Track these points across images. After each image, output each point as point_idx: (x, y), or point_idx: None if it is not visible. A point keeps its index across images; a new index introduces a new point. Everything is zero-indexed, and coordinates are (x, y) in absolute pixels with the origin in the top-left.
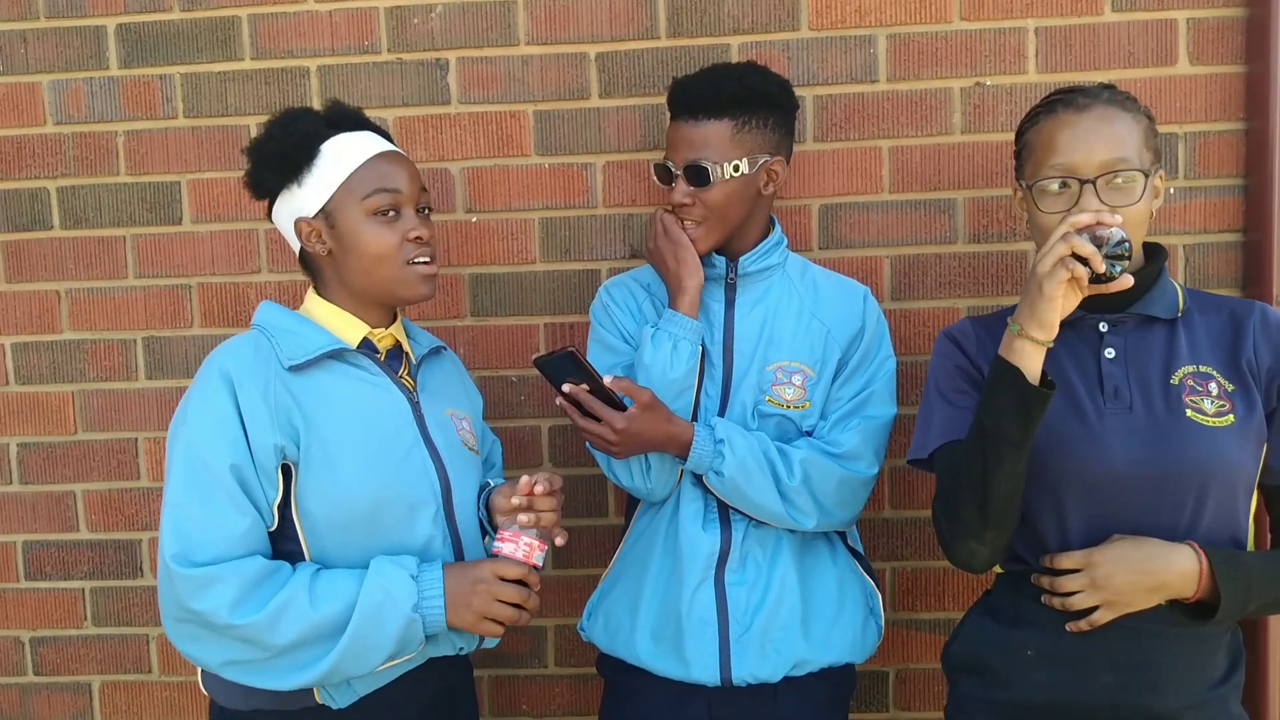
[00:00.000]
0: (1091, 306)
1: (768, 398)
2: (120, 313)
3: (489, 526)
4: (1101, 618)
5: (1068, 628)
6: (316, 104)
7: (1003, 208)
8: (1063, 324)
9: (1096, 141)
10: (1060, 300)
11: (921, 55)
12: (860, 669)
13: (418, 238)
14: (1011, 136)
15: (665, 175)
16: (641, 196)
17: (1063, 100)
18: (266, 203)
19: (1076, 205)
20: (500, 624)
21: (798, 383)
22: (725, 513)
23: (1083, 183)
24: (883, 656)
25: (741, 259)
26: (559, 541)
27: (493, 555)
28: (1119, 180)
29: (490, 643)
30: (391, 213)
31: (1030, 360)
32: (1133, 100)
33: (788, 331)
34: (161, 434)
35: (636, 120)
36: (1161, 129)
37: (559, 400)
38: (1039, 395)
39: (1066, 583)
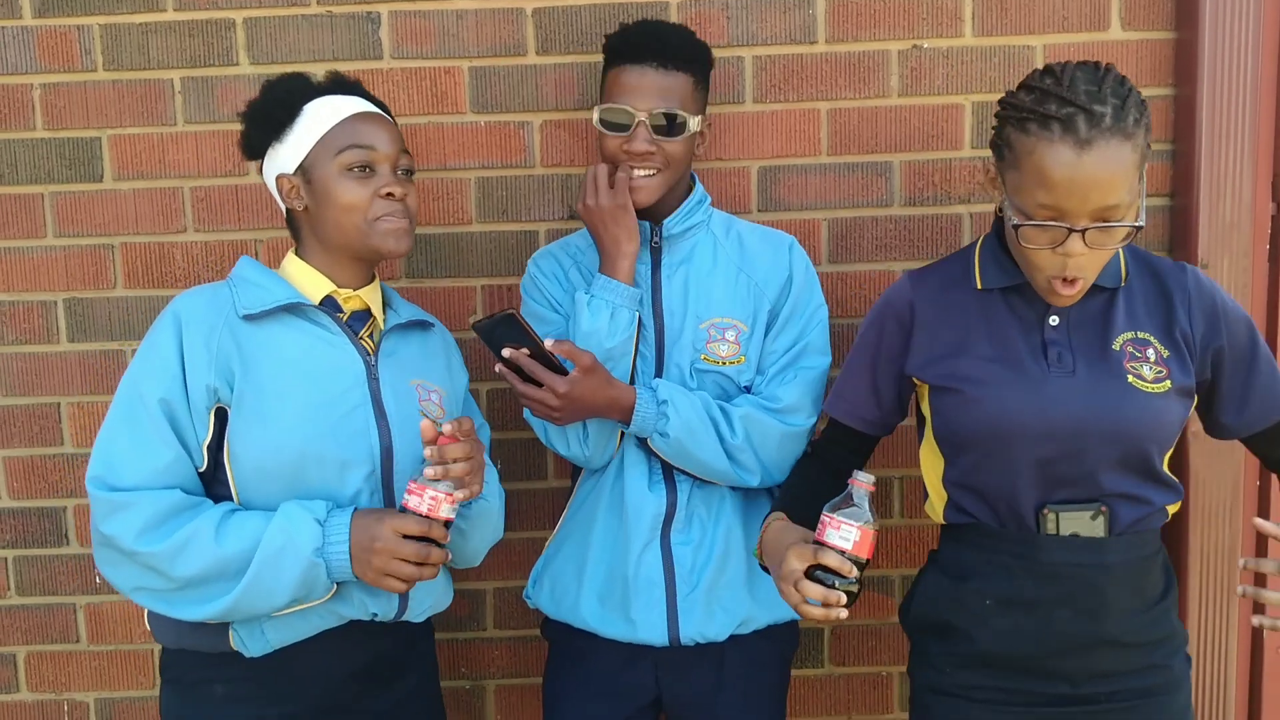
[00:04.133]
0: None
1: (703, 355)
2: (39, 273)
3: None
4: None
5: (1261, 624)
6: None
7: (938, 171)
8: (1010, 289)
9: (1092, 191)
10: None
11: (860, 17)
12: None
13: (389, 194)
14: (947, 100)
15: (621, 121)
16: (580, 156)
17: (1063, 122)
18: (257, 165)
19: (1062, 247)
20: (402, 581)
21: (731, 338)
22: (670, 473)
23: (1070, 231)
24: None
25: (666, 222)
26: (462, 496)
27: (400, 509)
28: (1110, 228)
29: (417, 615)
30: (364, 169)
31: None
32: (1136, 117)
33: (717, 289)
34: (86, 398)
35: (574, 78)
36: None
37: (498, 366)
38: None
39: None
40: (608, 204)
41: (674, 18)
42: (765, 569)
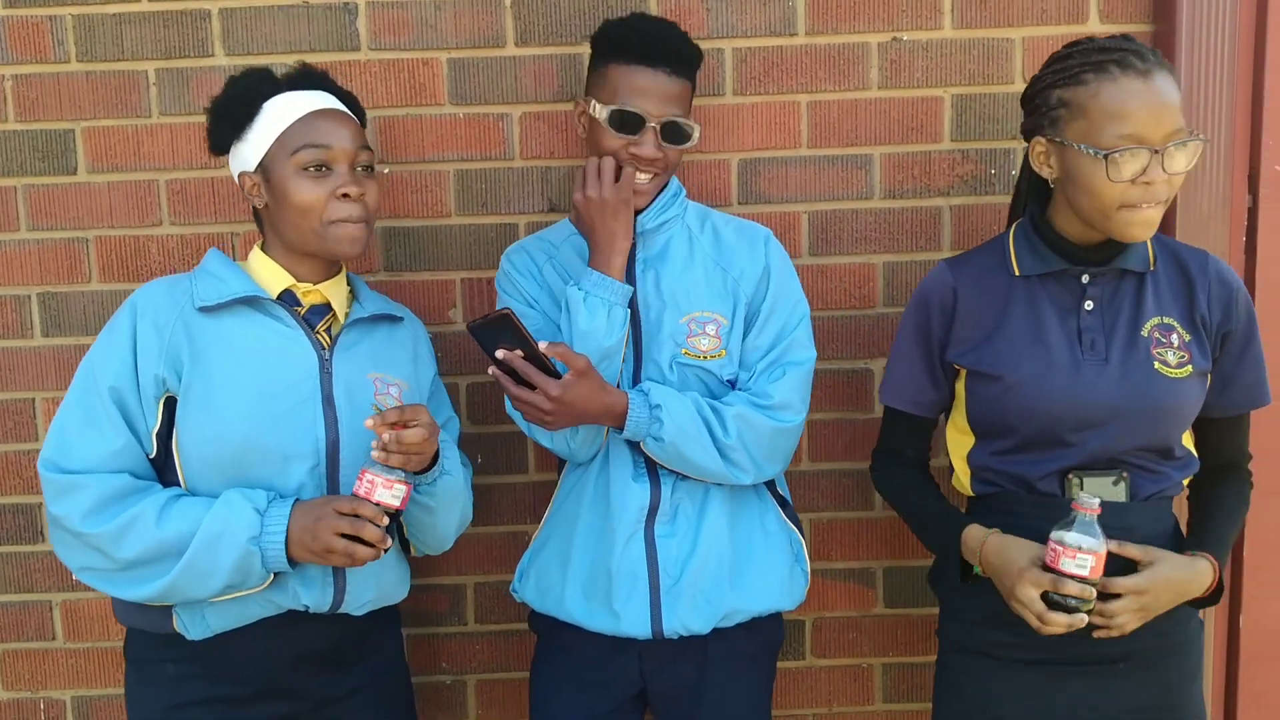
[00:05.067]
0: (1075, 260)
1: (684, 350)
2: (12, 267)
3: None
4: (1130, 628)
5: (1097, 635)
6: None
7: (918, 164)
8: (1047, 275)
9: (1164, 112)
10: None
11: (839, 9)
12: None
13: (344, 194)
14: (927, 92)
15: (632, 124)
16: (560, 148)
17: (1118, 62)
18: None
19: (1145, 175)
20: (349, 557)
21: (711, 332)
22: (654, 467)
23: (1153, 152)
24: (800, 606)
25: (641, 216)
26: (397, 462)
27: (352, 495)
28: (1183, 146)
29: (356, 609)
30: (321, 168)
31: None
32: (1165, 60)
33: (694, 282)
34: (60, 393)
35: (554, 70)
36: None
37: (491, 369)
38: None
39: (1120, 616)
40: (611, 197)
41: (654, 10)
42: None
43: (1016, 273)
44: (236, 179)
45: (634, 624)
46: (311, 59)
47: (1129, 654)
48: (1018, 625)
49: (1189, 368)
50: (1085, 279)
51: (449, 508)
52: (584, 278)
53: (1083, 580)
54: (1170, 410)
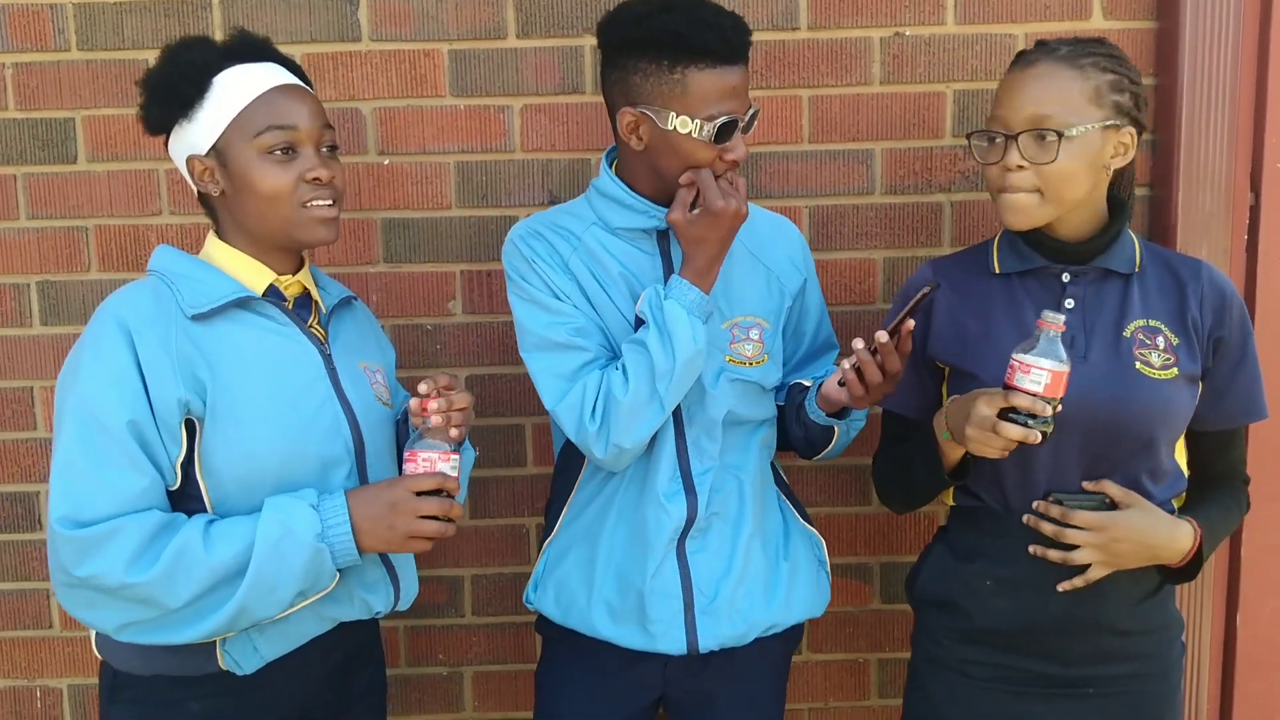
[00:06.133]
0: (1055, 257)
1: (728, 358)
2: (12, 256)
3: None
4: (1095, 575)
5: (1060, 587)
6: (220, 38)
7: (919, 159)
8: (1027, 272)
9: (1025, 100)
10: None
11: (842, 4)
12: None
13: (315, 179)
14: (929, 88)
15: (729, 130)
16: (561, 141)
17: (1021, 56)
18: (164, 139)
19: (1001, 160)
20: (429, 539)
21: (755, 337)
22: (690, 481)
23: (1007, 138)
24: None
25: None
26: (456, 436)
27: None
28: (1041, 137)
29: (404, 605)
30: (287, 151)
31: (952, 454)
32: (1095, 61)
33: (735, 279)
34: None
35: (555, 62)
36: None
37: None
38: (950, 479)
39: (1077, 540)
40: (742, 209)
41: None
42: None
43: (997, 270)
44: (183, 164)
45: (669, 642)
46: (313, 49)
47: (1105, 678)
48: (988, 644)
49: (1174, 370)
50: (1066, 278)
51: (465, 478)
52: (687, 294)
53: (1035, 395)
54: (1152, 411)
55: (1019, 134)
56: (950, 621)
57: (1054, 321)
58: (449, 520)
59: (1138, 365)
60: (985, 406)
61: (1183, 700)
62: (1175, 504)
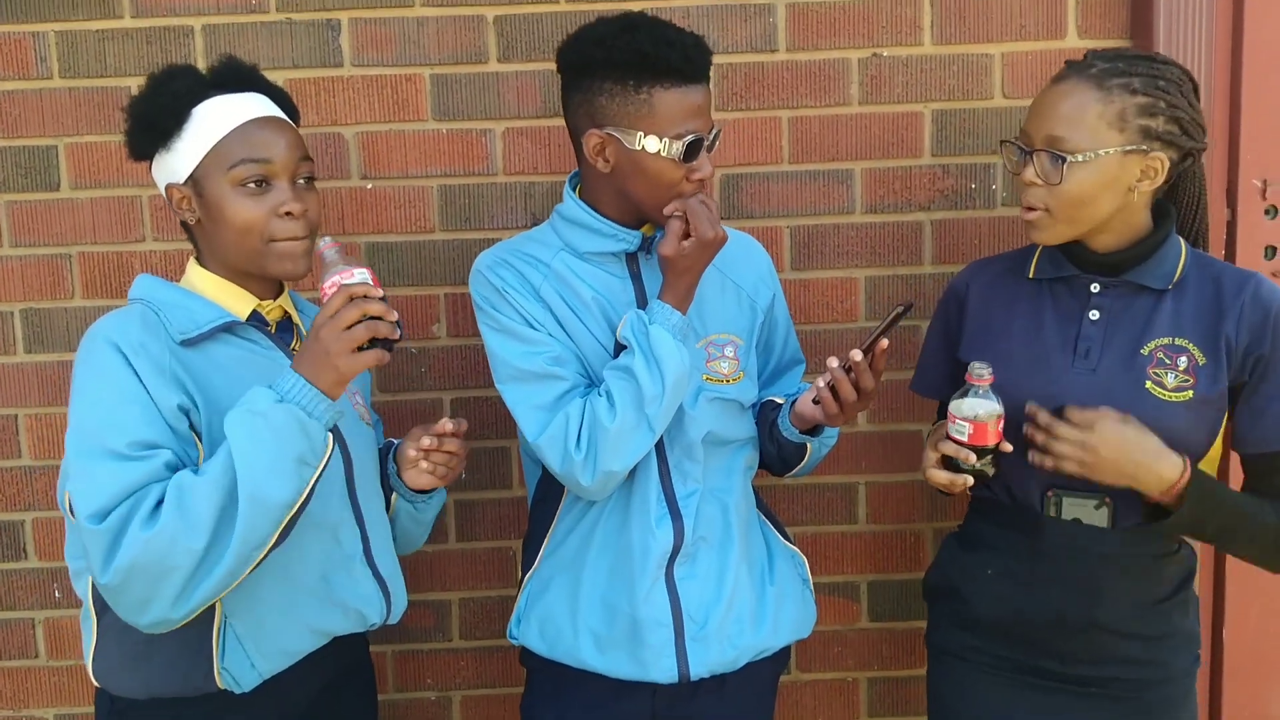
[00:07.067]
0: (1085, 267)
1: (705, 376)
2: None
3: (399, 482)
4: (1067, 469)
5: (1031, 458)
6: (202, 65)
7: (899, 178)
8: (1056, 279)
9: (1045, 117)
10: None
11: (820, 25)
12: None
13: (287, 212)
14: (907, 107)
15: (695, 148)
16: (543, 164)
17: (1065, 66)
18: (148, 164)
19: (1020, 174)
20: (374, 350)
21: (730, 354)
22: (676, 505)
23: (1026, 152)
24: None
25: (660, 231)
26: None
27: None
28: (1053, 158)
29: (395, 618)
30: (260, 183)
31: None
32: (1130, 75)
33: (708, 298)
34: (44, 410)
35: (537, 85)
36: None
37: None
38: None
39: (1062, 435)
40: (725, 236)
41: None
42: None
43: (1031, 275)
44: (162, 191)
45: (660, 671)
46: (295, 75)
47: (1105, 680)
48: (987, 632)
49: (1189, 393)
50: (1095, 288)
51: (436, 504)
52: (670, 318)
53: (959, 444)
54: (1153, 431)
55: (1034, 151)
56: (952, 608)
57: (978, 375)
58: (377, 319)
59: (1148, 384)
60: (929, 449)
61: (1196, 713)
62: None
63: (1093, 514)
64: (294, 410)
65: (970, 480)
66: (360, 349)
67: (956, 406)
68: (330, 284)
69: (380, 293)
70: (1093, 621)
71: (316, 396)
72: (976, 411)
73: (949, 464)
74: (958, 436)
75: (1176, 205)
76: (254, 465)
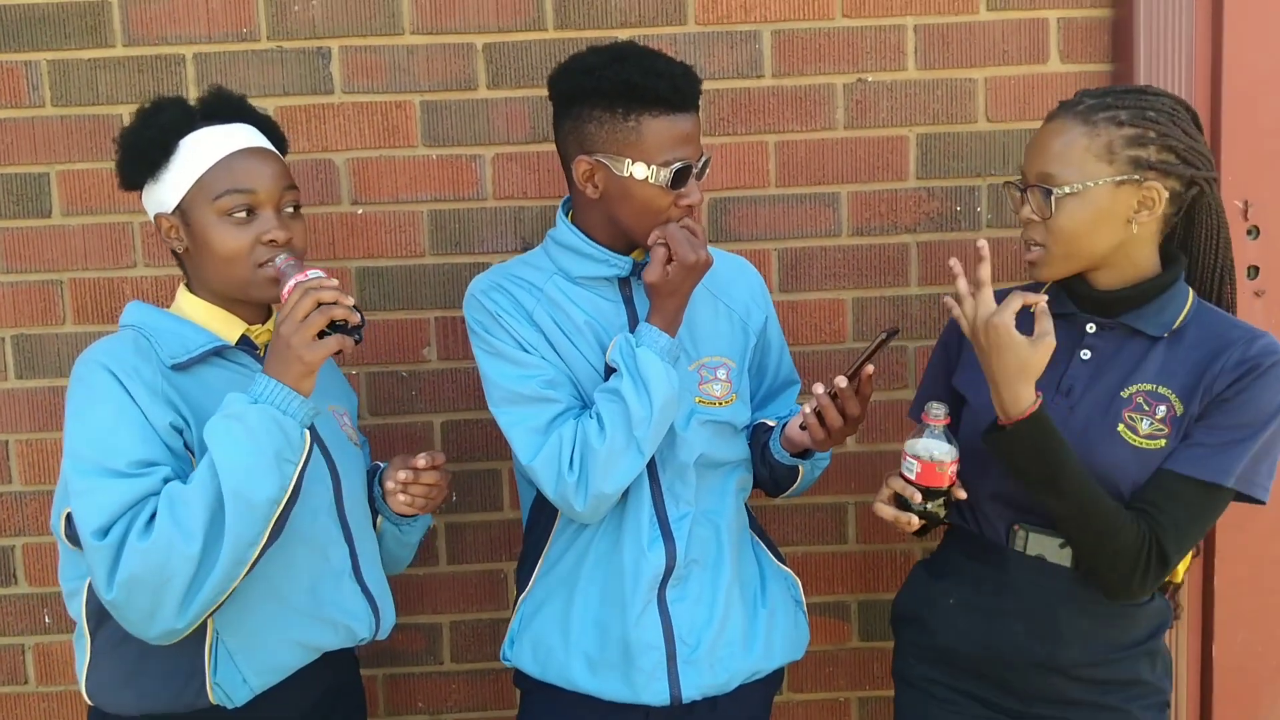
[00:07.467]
0: (1082, 305)
1: (698, 399)
2: None
3: (384, 505)
4: (958, 320)
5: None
6: (193, 93)
7: (884, 201)
8: (1056, 315)
9: (1036, 154)
10: None
11: (805, 51)
12: None
13: (272, 240)
14: (892, 131)
15: (684, 176)
16: (532, 189)
17: (1053, 109)
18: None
19: (1020, 213)
20: (335, 336)
21: (722, 376)
22: (668, 527)
23: (1022, 190)
24: None
25: (642, 264)
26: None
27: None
28: (1043, 193)
29: (384, 633)
30: (246, 213)
31: None
32: (1117, 108)
33: (700, 321)
34: (35, 435)
35: (526, 111)
36: (1034, 124)
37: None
38: None
39: (981, 299)
40: (709, 258)
41: None
42: None
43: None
44: (152, 220)
45: (652, 694)
46: (286, 103)
47: (1064, 713)
48: (948, 663)
49: (1162, 441)
50: (1090, 328)
51: (421, 527)
52: (653, 339)
53: (909, 482)
54: (1116, 474)
55: (1028, 188)
56: (916, 637)
57: (934, 415)
58: (334, 303)
59: (1120, 427)
60: (885, 484)
61: None
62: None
63: (1057, 553)
64: (267, 409)
65: (916, 520)
66: (322, 336)
67: (910, 444)
68: (287, 290)
69: (335, 282)
70: (1053, 662)
71: (288, 394)
72: (931, 451)
73: (901, 502)
74: (906, 474)
75: (1195, 241)
76: (235, 466)
